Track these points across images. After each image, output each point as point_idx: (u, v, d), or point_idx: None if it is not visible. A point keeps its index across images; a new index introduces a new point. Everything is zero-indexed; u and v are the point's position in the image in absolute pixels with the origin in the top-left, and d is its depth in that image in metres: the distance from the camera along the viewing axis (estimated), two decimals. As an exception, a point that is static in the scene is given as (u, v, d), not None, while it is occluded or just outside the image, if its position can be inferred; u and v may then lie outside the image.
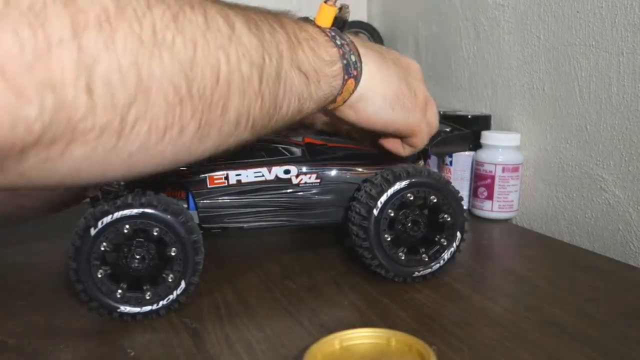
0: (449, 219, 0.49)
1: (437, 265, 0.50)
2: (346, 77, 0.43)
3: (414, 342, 0.36)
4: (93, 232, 0.42)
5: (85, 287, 0.43)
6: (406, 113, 0.47)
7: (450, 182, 0.50)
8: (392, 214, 0.48)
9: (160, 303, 0.44)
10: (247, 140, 0.37)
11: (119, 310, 0.43)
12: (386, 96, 0.46)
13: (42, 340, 0.42)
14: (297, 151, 0.51)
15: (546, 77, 0.67)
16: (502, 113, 0.74)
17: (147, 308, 0.44)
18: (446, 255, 0.50)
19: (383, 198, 0.48)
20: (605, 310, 0.45)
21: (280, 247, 0.62)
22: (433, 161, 0.75)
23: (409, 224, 0.49)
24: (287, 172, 0.50)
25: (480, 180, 0.70)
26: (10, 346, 0.41)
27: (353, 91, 0.44)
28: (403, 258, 0.49)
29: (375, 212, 0.48)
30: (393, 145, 0.51)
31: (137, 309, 0.44)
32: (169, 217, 0.43)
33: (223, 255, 0.58)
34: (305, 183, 0.50)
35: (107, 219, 0.42)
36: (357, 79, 0.44)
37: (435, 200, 0.49)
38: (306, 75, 0.39)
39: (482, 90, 0.78)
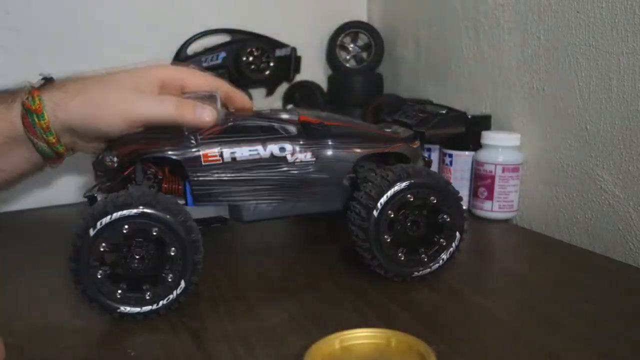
0: (448, 220, 0.49)
1: (437, 266, 0.50)
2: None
3: (414, 342, 0.36)
4: (92, 232, 0.42)
5: (85, 288, 0.43)
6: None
7: (450, 183, 0.50)
8: (392, 215, 0.48)
9: (160, 303, 0.44)
10: None
11: (119, 310, 0.43)
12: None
13: (42, 340, 0.42)
14: (293, 129, 0.51)
15: (546, 77, 0.67)
16: (502, 113, 0.74)
17: (147, 308, 0.44)
18: (445, 255, 0.50)
19: (383, 199, 0.48)
20: (605, 310, 0.45)
21: (280, 246, 0.62)
22: (433, 161, 0.75)
23: (409, 225, 0.49)
24: (282, 149, 0.50)
25: (480, 180, 0.70)
26: (10, 346, 0.41)
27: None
28: (403, 258, 0.49)
29: (375, 213, 0.48)
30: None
31: (137, 309, 0.44)
32: (168, 216, 0.43)
33: (223, 255, 0.58)
34: (301, 161, 0.50)
35: (106, 220, 0.42)
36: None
37: (434, 201, 0.49)
38: None
39: (482, 90, 0.78)
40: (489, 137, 0.69)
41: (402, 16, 0.95)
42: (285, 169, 0.50)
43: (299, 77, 0.93)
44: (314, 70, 0.94)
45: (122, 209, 0.42)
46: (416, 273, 0.50)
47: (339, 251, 0.59)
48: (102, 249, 0.42)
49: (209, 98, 0.52)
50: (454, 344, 0.40)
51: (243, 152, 0.49)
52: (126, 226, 0.42)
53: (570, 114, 0.65)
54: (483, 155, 0.70)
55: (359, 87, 0.92)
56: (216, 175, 0.49)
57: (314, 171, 0.50)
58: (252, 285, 0.51)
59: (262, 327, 0.43)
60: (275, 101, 0.94)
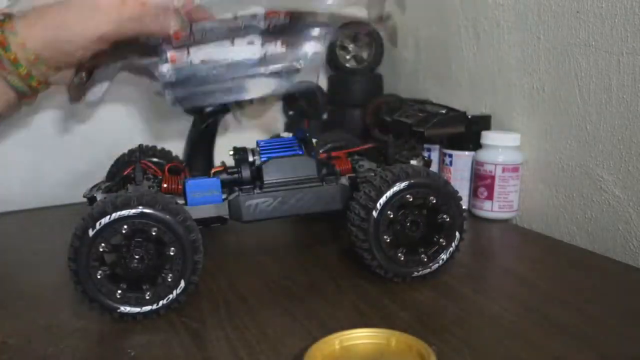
0: (448, 219, 0.49)
1: (437, 266, 0.50)
2: None
3: (414, 342, 0.36)
4: (91, 233, 0.42)
5: (85, 288, 0.43)
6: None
7: (449, 183, 0.50)
8: (392, 215, 0.48)
9: (160, 303, 0.44)
10: None
11: (119, 310, 0.43)
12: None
13: (42, 340, 0.42)
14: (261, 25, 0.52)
15: (546, 77, 0.67)
16: (502, 113, 0.74)
17: (147, 308, 0.44)
18: (445, 255, 0.50)
19: (382, 200, 0.48)
20: (605, 310, 0.45)
21: (280, 246, 0.62)
22: (433, 162, 0.75)
23: (408, 225, 0.49)
24: (251, 44, 0.51)
25: (480, 180, 0.70)
26: (10, 346, 0.41)
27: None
28: (402, 258, 0.49)
29: (374, 213, 0.48)
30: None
31: (137, 309, 0.44)
32: (167, 216, 0.43)
33: (223, 255, 0.58)
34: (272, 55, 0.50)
35: (106, 220, 0.42)
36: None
37: (434, 201, 0.49)
38: None
39: (482, 90, 0.78)
40: (489, 137, 0.69)
41: (402, 16, 0.95)
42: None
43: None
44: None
45: (122, 209, 0.42)
46: (416, 273, 0.50)
47: (339, 251, 0.59)
48: (101, 249, 0.42)
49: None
50: (454, 344, 0.40)
51: (212, 55, 0.50)
52: (125, 226, 0.42)
53: (570, 114, 0.65)
54: (483, 155, 0.70)
55: (359, 87, 0.92)
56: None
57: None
58: (252, 285, 0.51)
59: (262, 327, 0.43)
60: (275, 101, 0.94)
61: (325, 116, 0.90)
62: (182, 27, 0.51)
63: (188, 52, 0.51)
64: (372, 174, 0.49)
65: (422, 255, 0.50)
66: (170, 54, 0.49)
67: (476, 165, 0.71)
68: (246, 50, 0.51)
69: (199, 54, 0.50)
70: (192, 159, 0.82)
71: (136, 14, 0.50)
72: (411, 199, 0.48)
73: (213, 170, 0.53)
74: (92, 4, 0.50)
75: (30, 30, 0.49)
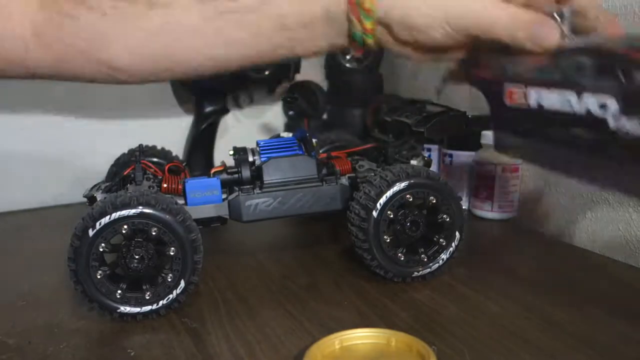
0: (447, 219, 0.49)
1: (437, 265, 0.50)
2: None
3: (414, 342, 0.36)
4: (91, 233, 0.42)
5: (85, 288, 0.43)
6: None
7: (449, 182, 0.50)
8: (392, 215, 0.48)
9: (160, 303, 0.44)
10: None
11: (119, 310, 0.43)
12: None
13: (42, 340, 0.42)
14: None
15: (546, 77, 0.67)
16: (502, 113, 0.74)
17: (147, 308, 0.44)
18: (445, 255, 0.50)
19: (382, 200, 0.48)
20: (605, 310, 0.45)
21: (280, 246, 0.62)
22: (433, 162, 0.75)
23: (408, 225, 0.49)
24: (603, 107, 0.33)
25: (480, 180, 0.70)
26: (10, 346, 0.41)
27: None
28: (402, 258, 0.49)
29: (374, 213, 0.48)
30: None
31: (137, 309, 0.44)
32: (167, 216, 0.43)
33: (223, 255, 0.58)
34: (627, 132, 0.32)
35: (105, 220, 0.42)
36: None
37: (434, 201, 0.49)
38: None
39: (482, 90, 0.78)
40: (489, 137, 0.69)
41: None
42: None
43: (299, 77, 0.93)
44: (314, 70, 0.94)
45: (121, 209, 0.42)
46: (416, 273, 0.50)
47: (339, 251, 0.59)
48: (101, 249, 0.42)
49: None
50: (454, 344, 0.40)
51: (551, 98, 0.36)
52: (125, 226, 0.42)
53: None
54: (483, 155, 0.70)
55: (359, 87, 0.92)
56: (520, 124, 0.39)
57: None
58: (252, 285, 0.51)
59: (262, 327, 0.43)
60: (275, 101, 0.94)
61: (325, 116, 0.90)
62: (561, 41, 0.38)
63: (526, 91, 0.38)
64: (372, 174, 0.49)
65: (422, 255, 0.50)
66: (509, 87, 0.38)
67: (476, 165, 0.71)
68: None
69: (540, 97, 0.38)
70: (192, 159, 0.82)
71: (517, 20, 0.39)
72: (411, 199, 0.48)
73: (213, 170, 0.53)
74: None
75: None
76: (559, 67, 0.37)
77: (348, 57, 0.95)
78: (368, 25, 0.44)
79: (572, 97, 0.35)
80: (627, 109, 0.32)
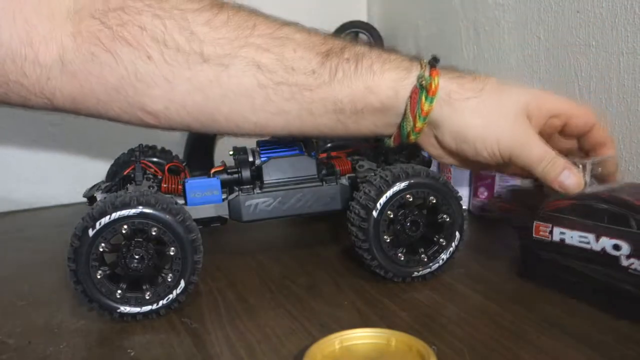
0: (447, 219, 0.49)
1: (437, 265, 0.50)
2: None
3: (414, 342, 0.36)
4: (91, 233, 0.42)
5: (85, 288, 0.43)
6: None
7: (449, 182, 0.50)
8: (392, 215, 0.48)
9: (160, 303, 0.44)
10: None
11: (118, 310, 0.43)
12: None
13: (42, 340, 0.42)
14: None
15: (546, 77, 0.67)
16: (502, 113, 0.74)
17: (147, 308, 0.44)
18: (445, 255, 0.50)
19: (382, 200, 0.48)
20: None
21: (279, 246, 0.62)
22: (434, 162, 0.75)
23: (408, 225, 0.49)
24: (616, 247, 0.41)
25: (480, 180, 0.70)
26: (10, 346, 0.41)
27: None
28: (402, 258, 0.49)
29: (374, 213, 0.48)
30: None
31: (137, 309, 0.44)
32: (167, 216, 0.43)
33: (223, 255, 0.58)
34: (635, 269, 0.39)
35: (105, 220, 0.42)
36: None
37: (434, 201, 0.49)
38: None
39: (482, 90, 0.78)
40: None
41: (402, 16, 0.95)
42: (615, 274, 0.41)
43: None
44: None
45: (121, 209, 0.42)
46: (416, 273, 0.50)
47: (339, 251, 0.59)
48: (101, 249, 0.42)
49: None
50: (454, 344, 0.40)
51: (573, 236, 0.43)
52: (125, 226, 0.42)
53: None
54: (483, 155, 0.70)
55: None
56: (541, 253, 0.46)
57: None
58: (252, 285, 0.51)
59: (262, 327, 0.43)
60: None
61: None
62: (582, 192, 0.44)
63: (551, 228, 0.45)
64: (372, 174, 0.49)
65: (422, 255, 0.50)
66: (537, 223, 0.45)
67: (476, 165, 0.71)
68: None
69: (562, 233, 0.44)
70: (192, 159, 0.82)
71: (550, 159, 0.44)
72: (411, 199, 0.48)
73: (213, 170, 0.53)
74: (524, 114, 0.45)
75: (459, 103, 0.45)
76: (579, 210, 0.43)
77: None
78: (419, 124, 0.45)
79: (590, 236, 0.42)
80: (637, 252, 0.39)
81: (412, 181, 0.48)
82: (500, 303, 0.46)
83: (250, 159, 0.53)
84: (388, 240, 0.48)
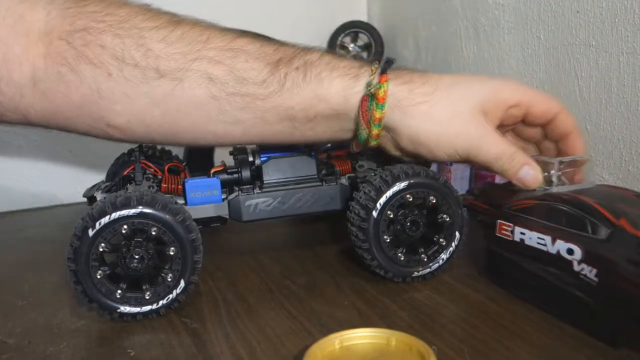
0: (447, 219, 0.49)
1: (437, 265, 0.50)
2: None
3: (414, 342, 0.36)
4: (91, 233, 0.42)
5: (84, 288, 0.43)
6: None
7: (449, 182, 0.50)
8: (391, 215, 0.48)
9: (160, 302, 0.44)
10: None
11: (118, 310, 0.43)
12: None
13: (42, 340, 0.42)
14: (603, 232, 0.38)
15: (546, 77, 0.67)
16: (502, 113, 0.74)
17: (147, 308, 0.44)
18: (445, 255, 0.50)
19: (382, 200, 0.48)
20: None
21: (279, 246, 0.62)
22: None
23: (408, 225, 0.49)
24: (570, 251, 0.40)
25: (481, 180, 0.70)
26: (10, 346, 0.41)
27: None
28: (402, 258, 0.49)
29: (374, 213, 0.48)
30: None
31: (137, 309, 0.44)
32: (167, 216, 0.43)
33: (223, 255, 0.58)
34: (585, 275, 0.39)
35: (105, 220, 0.42)
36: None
37: (434, 201, 0.49)
38: None
39: (482, 90, 0.78)
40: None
41: (402, 16, 0.95)
42: (569, 279, 0.40)
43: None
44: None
45: (121, 209, 0.42)
46: (416, 273, 0.50)
47: (339, 251, 0.59)
48: (101, 249, 0.42)
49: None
50: (454, 344, 0.40)
51: (532, 237, 0.43)
52: (125, 226, 0.42)
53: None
54: (483, 155, 0.70)
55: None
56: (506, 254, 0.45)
57: (593, 294, 0.38)
58: (252, 285, 0.51)
59: (262, 327, 0.43)
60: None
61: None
62: (539, 190, 0.45)
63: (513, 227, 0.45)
64: (372, 174, 0.49)
65: (422, 255, 0.50)
66: (500, 222, 0.45)
67: (476, 165, 0.71)
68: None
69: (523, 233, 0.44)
70: (192, 159, 0.82)
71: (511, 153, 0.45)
72: (411, 199, 0.48)
73: (213, 170, 0.53)
74: (480, 109, 0.45)
75: (409, 108, 0.45)
76: (541, 210, 0.43)
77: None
78: (375, 130, 0.46)
79: (547, 238, 0.41)
80: (588, 258, 0.38)
81: (412, 181, 0.48)
82: (500, 303, 0.46)
83: (250, 158, 0.53)
84: (388, 240, 0.48)
